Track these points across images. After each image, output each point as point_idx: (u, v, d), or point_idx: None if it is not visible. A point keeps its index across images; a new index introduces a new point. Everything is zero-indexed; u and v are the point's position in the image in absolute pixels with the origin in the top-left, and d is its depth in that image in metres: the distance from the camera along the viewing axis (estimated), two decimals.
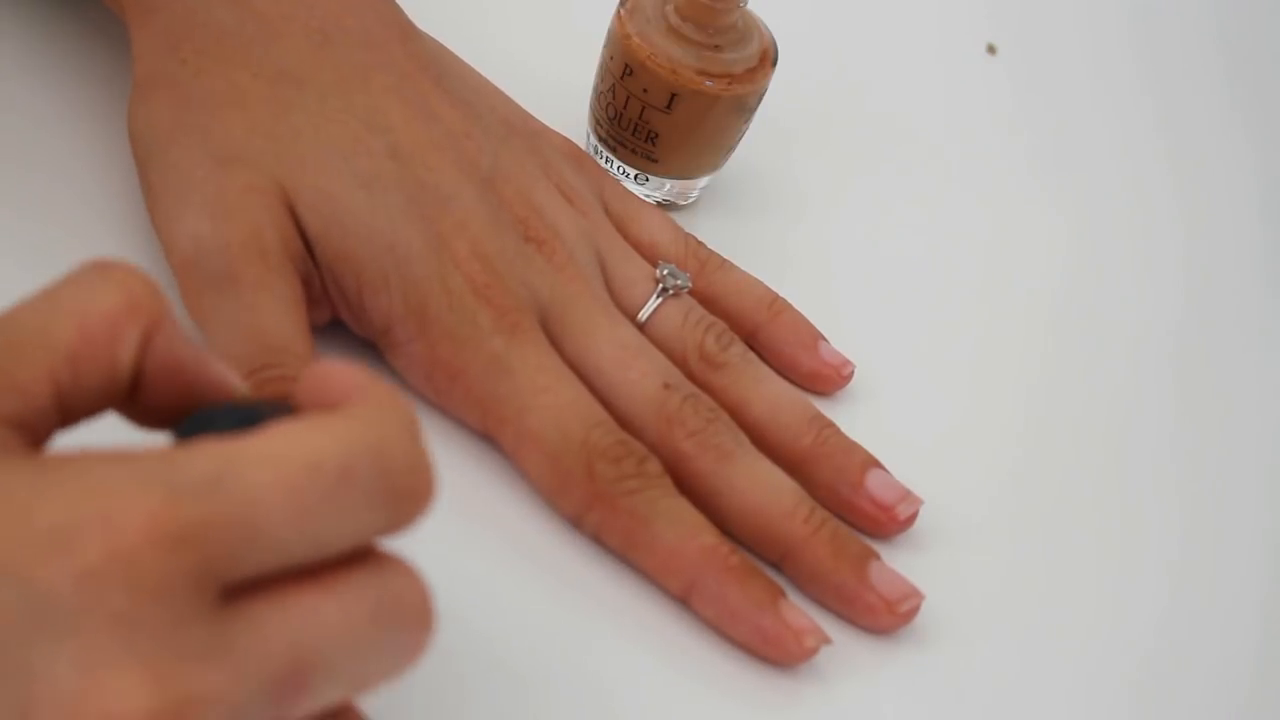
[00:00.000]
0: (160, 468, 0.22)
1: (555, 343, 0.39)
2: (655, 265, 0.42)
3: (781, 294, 0.45)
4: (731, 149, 0.48)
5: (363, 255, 0.37)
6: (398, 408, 0.24)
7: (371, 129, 0.38)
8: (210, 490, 0.22)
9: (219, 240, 0.36)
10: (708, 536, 0.36)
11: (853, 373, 0.44)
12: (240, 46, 0.38)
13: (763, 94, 0.46)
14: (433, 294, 0.37)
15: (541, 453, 0.37)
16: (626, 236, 0.43)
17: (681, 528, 0.36)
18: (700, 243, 0.45)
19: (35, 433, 0.24)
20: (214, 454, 0.23)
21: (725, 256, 0.45)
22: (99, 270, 0.25)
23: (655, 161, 0.46)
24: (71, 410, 0.25)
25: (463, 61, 0.44)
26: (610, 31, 0.45)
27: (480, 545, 0.37)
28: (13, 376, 0.24)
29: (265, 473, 0.22)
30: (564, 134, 0.45)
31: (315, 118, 0.38)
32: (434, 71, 0.41)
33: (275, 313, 0.35)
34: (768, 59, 0.46)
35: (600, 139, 0.47)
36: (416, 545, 0.36)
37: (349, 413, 0.24)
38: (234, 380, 0.27)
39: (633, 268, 0.42)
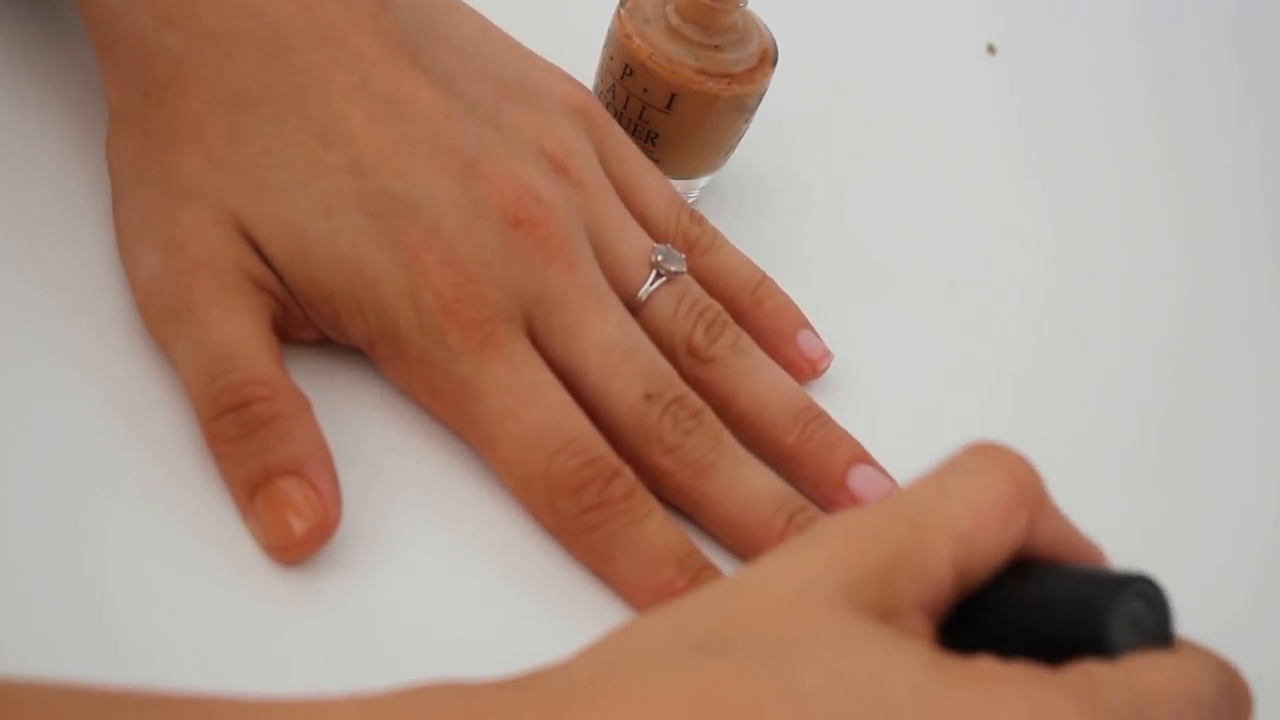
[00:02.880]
0: (1089, 689, 0.25)
1: (542, 340, 0.38)
2: (651, 244, 0.41)
3: (779, 288, 0.44)
4: (731, 149, 0.48)
5: (331, 282, 0.36)
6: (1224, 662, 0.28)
7: (330, 144, 0.37)
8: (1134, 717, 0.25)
9: (171, 270, 0.35)
10: (665, 570, 0.36)
11: (830, 364, 0.44)
12: (193, 72, 0.37)
13: (763, 94, 0.46)
14: (403, 315, 0.37)
15: (511, 479, 0.37)
16: (622, 200, 0.42)
17: (640, 564, 0.36)
18: (694, 216, 0.44)
19: (936, 613, 0.27)
20: (1130, 683, 0.26)
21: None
22: (984, 456, 0.28)
23: (655, 161, 0.46)
24: (967, 583, 0.28)
25: (456, 10, 0.42)
26: (610, 31, 0.45)
27: (477, 546, 0.37)
28: (924, 566, 0.27)
29: (1168, 715, 0.26)
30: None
31: (271, 141, 0.37)
32: (411, 46, 0.39)
33: (225, 325, 0.35)
34: (768, 59, 0.46)
35: None
36: (416, 545, 0.36)
37: (1204, 657, 0.28)
38: (1097, 548, 0.30)
39: (626, 247, 0.41)
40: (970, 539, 0.27)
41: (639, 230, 0.41)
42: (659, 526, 0.36)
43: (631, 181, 0.43)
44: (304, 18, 0.38)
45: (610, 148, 0.43)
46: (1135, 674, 0.26)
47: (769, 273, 0.45)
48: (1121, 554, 0.44)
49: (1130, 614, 0.27)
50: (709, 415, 0.39)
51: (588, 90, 0.44)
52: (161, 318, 0.36)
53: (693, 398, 0.39)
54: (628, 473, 0.36)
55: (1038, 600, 0.28)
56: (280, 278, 0.37)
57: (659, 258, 0.41)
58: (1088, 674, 0.26)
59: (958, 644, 0.27)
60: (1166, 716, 0.26)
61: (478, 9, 0.44)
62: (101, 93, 0.39)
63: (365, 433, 0.37)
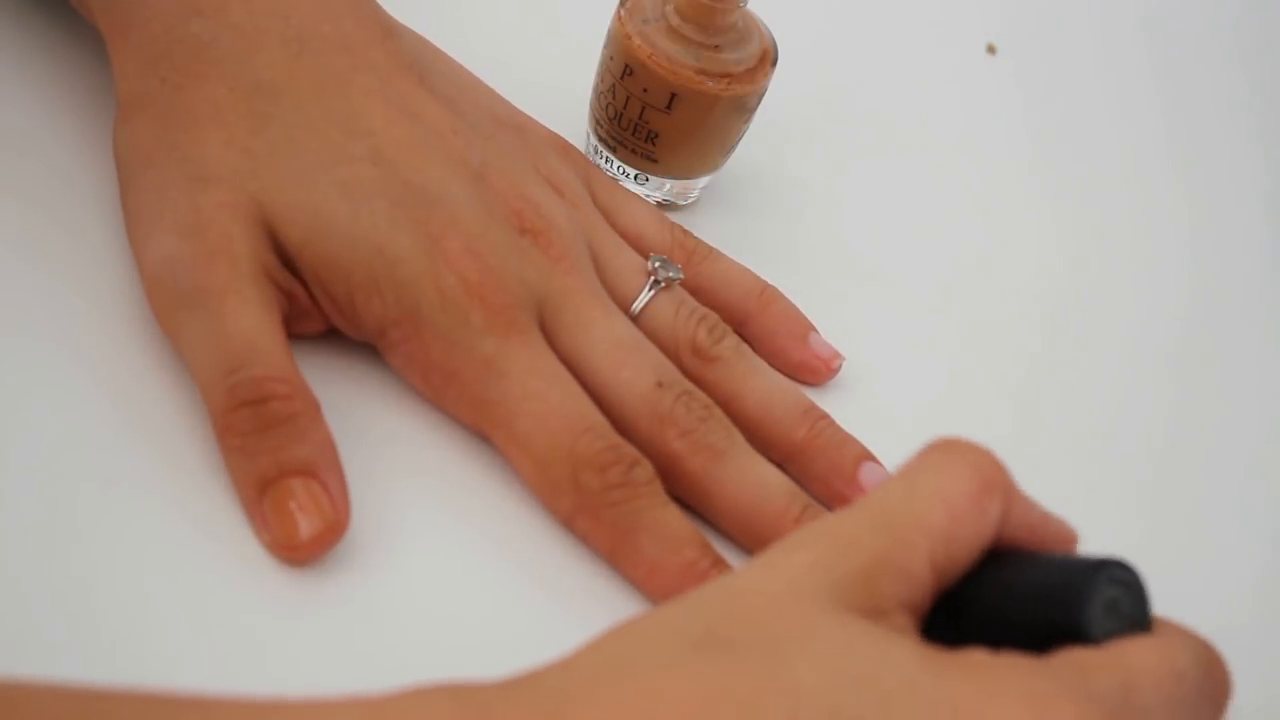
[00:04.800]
0: (1078, 677, 0.26)
1: (551, 337, 0.38)
2: (645, 257, 0.42)
3: (783, 294, 0.45)
4: (731, 149, 0.48)
5: (350, 261, 0.37)
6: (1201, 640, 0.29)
7: (351, 135, 0.38)
8: (1121, 705, 0.26)
9: (187, 255, 0.35)
10: (689, 550, 0.36)
11: (841, 365, 0.44)
12: (216, 61, 0.38)
13: (763, 94, 0.46)
14: (425, 295, 0.37)
15: (530, 459, 0.37)
16: (614, 227, 0.43)
17: (663, 542, 0.36)
18: (686, 232, 0.45)
19: (918, 610, 0.28)
20: (1115, 667, 0.26)
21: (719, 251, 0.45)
22: (949, 452, 0.29)
23: (655, 161, 0.46)
24: (946, 578, 0.28)
25: (446, 57, 0.44)
26: (610, 31, 0.45)
27: (479, 543, 0.37)
28: (904, 566, 0.27)
29: (1154, 694, 0.27)
30: (562, 134, 0.45)
31: (293, 129, 0.37)
32: (416, 70, 0.41)
33: (243, 316, 0.35)
34: (768, 59, 0.46)
35: (600, 139, 0.47)
36: (416, 545, 0.36)
37: (1181, 636, 0.28)
38: (1068, 528, 0.30)
39: (624, 260, 0.42)
40: (946, 535, 0.28)
41: (632, 251, 0.43)
42: (679, 516, 0.37)
43: (621, 208, 0.44)
44: (328, 26, 0.39)
45: (596, 180, 0.45)
46: (1120, 658, 0.27)
47: (769, 272, 0.45)
48: (1126, 551, 0.44)
49: (1107, 599, 0.28)
50: (719, 410, 0.39)
51: (563, 138, 0.45)
52: (173, 304, 0.36)
53: (701, 393, 0.39)
54: (648, 464, 0.37)
55: (1015, 591, 0.28)
56: (296, 260, 0.37)
57: (656, 264, 0.42)
58: (1075, 661, 0.26)
59: (940, 637, 0.27)
60: (1152, 697, 0.27)
61: (483, 2, 0.44)
62: (102, 82, 0.39)
63: (365, 430, 0.37)
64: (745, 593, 0.28)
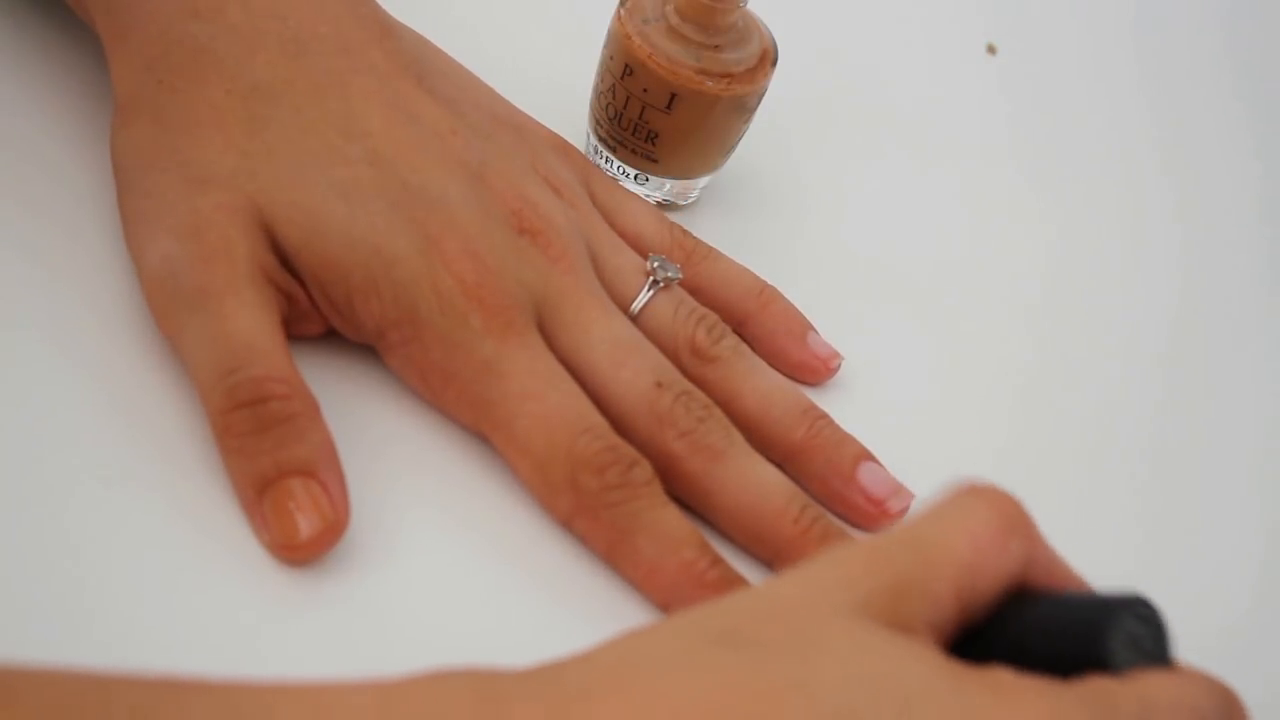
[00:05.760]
0: (1103, 700, 0.26)
1: (549, 338, 0.39)
2: (645, 257, 0.42)
3: (782, 294, 0.45)
4: (731, 149, 0.48)
5: (348, 263, 0.37)
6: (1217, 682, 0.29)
7: (349, 136, 0.38)
8: None
9: (187, 257, 0.35)
10: (687, 551, 0.36)
11: (840, 365, 0.44)
12: (214, 63, 0.38)
13: (763, 94, 0.46)
14: (423, 297, 0.37)
15: (529, 460, 0.37)
16: (613, 227, 0.43)
17: (661, 542, 0.36)
18: (686, 231, 0.45)
19: (943, 637, 0.28)
20: (1138, 695, 0.27)
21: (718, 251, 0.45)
22: (976, 494, 0.30)
23: (655, 161, 0.46)
24: (970, 612, 0.29)
25: (446, 56, 0.44)
26: (610, 31, 0.45)
27: (479, 544, 0.37)
28: (929, 588, 0.28)
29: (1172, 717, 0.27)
30: (562, 134, 0.45)
31: (290, 131, 0.38)
32: (415, 71, 0.41)
33: (241, 317, 0.35)
34: (768, 59, 0.46)
35: (600, 139, 0.47)
36: (416, 545, 0.36)
37: (1203, 678, 0.29)
38: (1086, 582, 0.31)
39: (623, 259, 0.42)
40: (971, 566, 0.28)
41: (631, 251, 0.43)
42: (677, 516, 0.37)
43: (620, 208, 0.44)
44: (326, 27, 0.39)
45: (596, 180, 0.45)
46: (1142, 687, 0.27)
47: (769, 272, 0.45)
48: (1120, 551, 0.44)
49: (1129, 634, 0.28)
50: (718, 410, 0.39)
51: (563, 137, 0.45)
52: (172, 306, 0.36)
53: (700, 393, 0.39)
54: (646, 464, 0.37)
55: (1038, 625, 0.29)
56: (294, 261, 0.37)
57: (655, 264, 0.42)
58: (1099, 686, 0.27)
59: None
60: None
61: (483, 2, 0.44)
62: (101, 83, 0.39)
63: (364, 430, 0.37)
64: (769, 597, 0.28)
